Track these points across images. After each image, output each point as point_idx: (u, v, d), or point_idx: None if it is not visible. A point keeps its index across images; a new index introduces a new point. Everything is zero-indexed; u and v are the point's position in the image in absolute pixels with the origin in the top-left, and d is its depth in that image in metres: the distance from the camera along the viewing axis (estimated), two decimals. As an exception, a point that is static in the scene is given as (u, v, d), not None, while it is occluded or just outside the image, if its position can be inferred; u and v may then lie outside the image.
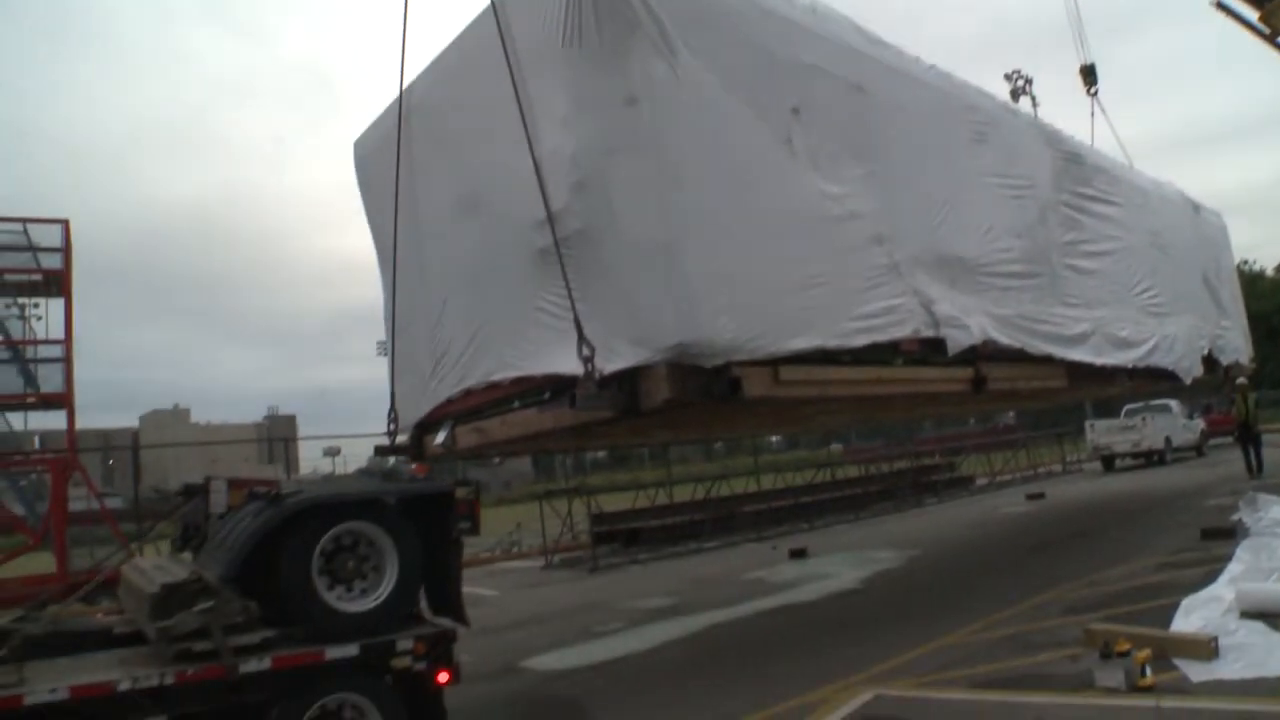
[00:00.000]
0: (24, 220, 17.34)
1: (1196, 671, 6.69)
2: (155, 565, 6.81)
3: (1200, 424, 31.73)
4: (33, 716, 5.02)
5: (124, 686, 5.23)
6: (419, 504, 6.75)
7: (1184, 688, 6.44)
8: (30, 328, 17.99)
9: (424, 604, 6.80)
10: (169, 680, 5.33)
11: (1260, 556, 10.57)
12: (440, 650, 6.23)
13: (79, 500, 17.94)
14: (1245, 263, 59.43)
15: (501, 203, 7.19)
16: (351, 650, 5.90)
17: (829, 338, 7.10)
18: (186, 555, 7.30)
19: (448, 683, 6.31)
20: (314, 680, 5.81)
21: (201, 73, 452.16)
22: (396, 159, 8.38)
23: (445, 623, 6.52)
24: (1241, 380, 19.80)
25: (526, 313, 6.91)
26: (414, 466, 8.70)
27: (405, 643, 6.09)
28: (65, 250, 17.38)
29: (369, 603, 6.18)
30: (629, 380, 6.28)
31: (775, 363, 6.76)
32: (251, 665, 5.54)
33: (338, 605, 6.07)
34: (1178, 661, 6.93)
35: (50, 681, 5.20)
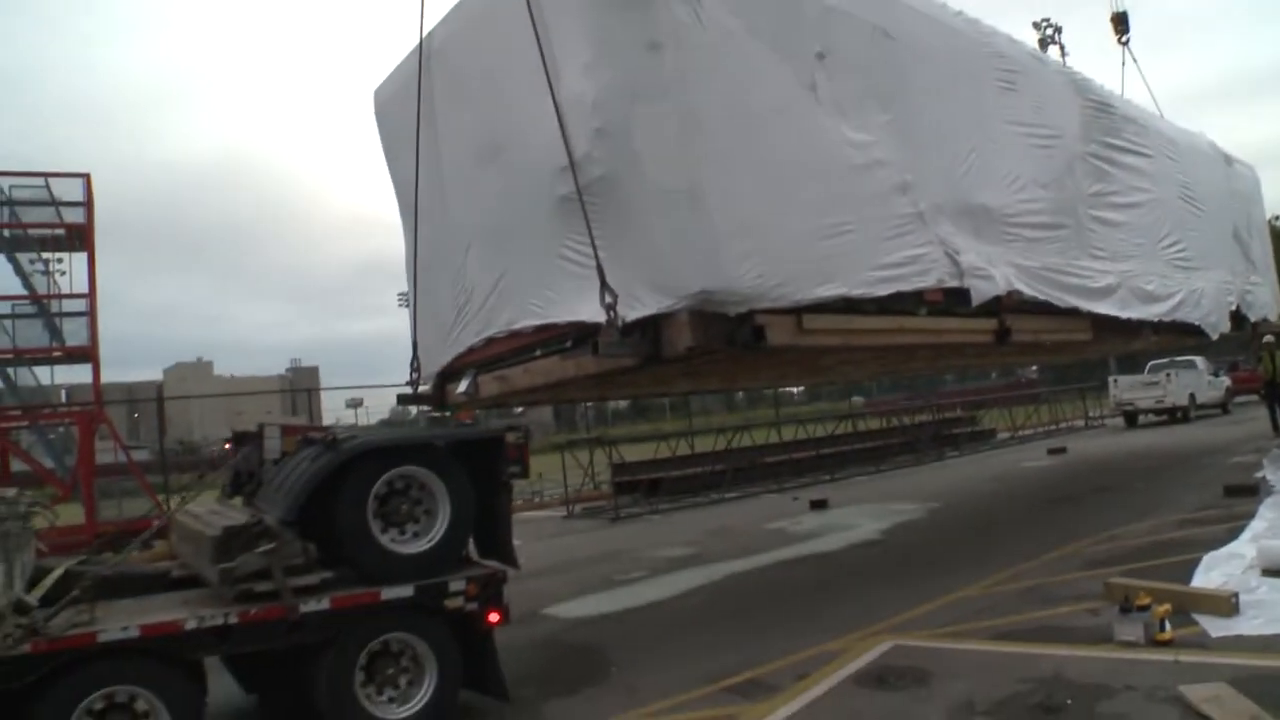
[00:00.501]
0: (46, 175, 17.40)
1: (1216, 627, 6.69)
2: (210, 511, 7.02)
3: (1225, 381, 31.44)
4: (103, 654, 5.30)
5: (190, 625, 5.51)
6: (470, 449, 6.93)
7: (1203, 643, 6.45)
8: (54, 282, 18.12)
9: (470, 547, 6.97)
10: (233, 620, 5.59)
11: (1284, 514, 10.52)
12: (491, 591, 6.45)
13: (106, 453, 18.17)
14: (1277, 217, 58.42)
15: (523, 150, 7.14)
16: (406, 591, 6.11)
17: (853, 286, 7.05)
18: (236, 501, 7.52)
19: (498, 623, 6.51)
20: (369, 620, 6.05)
21: (221, 24, 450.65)
22: (417, 107, 8.32)
23: (493, 565, 6.74)
24: (1269, 338, 19.57)
25: (549, 260, 6.88)
26: (461, 414, 8.84)
27: (458, 584, 6.32)
28: (87, 204, 17.45)
29: (422, 545, 6.39)
30: (652, 328, 6.26)
31: (799, 311, 6.73)
32: (311, 605, 5.79)
33: (392, 547, 6.30)
34: (1198, 617, 6.93)
35: (120, 620, 5.47)
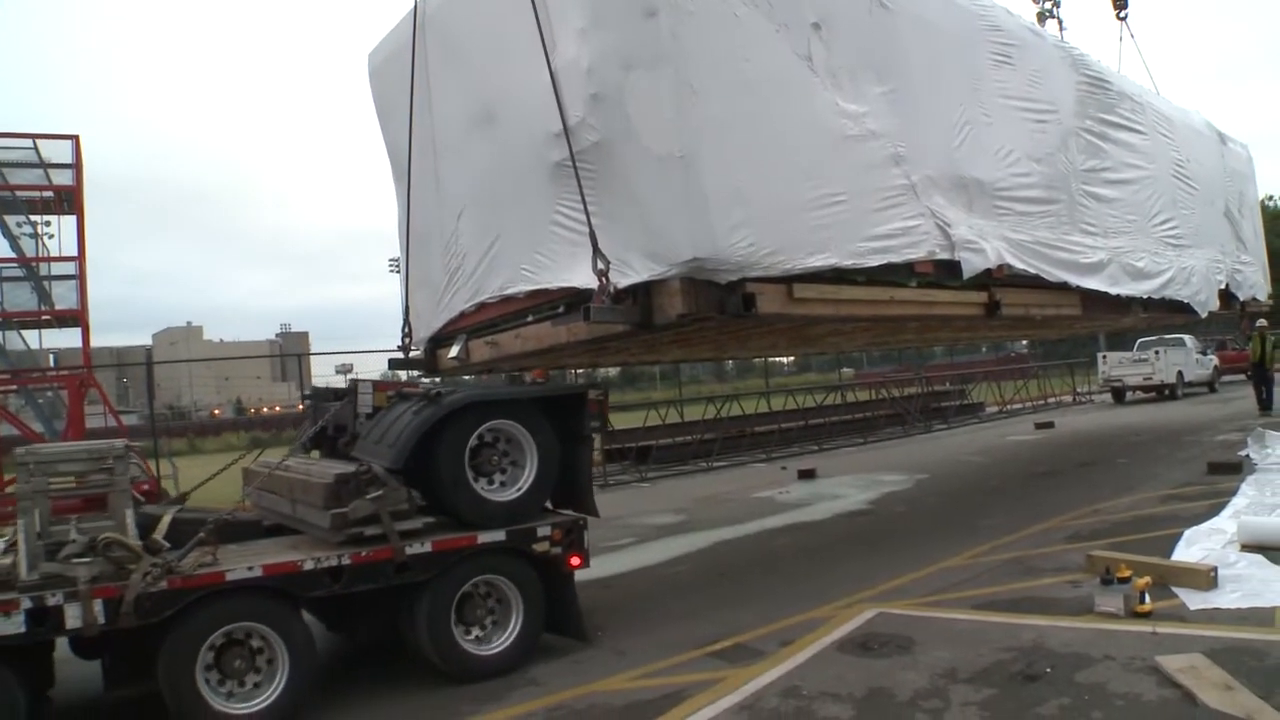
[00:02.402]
0: (34, 136, 17.22)
1: (1195, 600, 6.81)
2: (300, 462, 7.46)
3: (1213, 360, 31.56)
4: (231, 592, 5.72)
5: (308, 566, 5.98)
6: (555, 404, 7.38)
7: (1181, 615, 6.56)
8: (43, 245, 17.99)
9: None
10: (345, 561, 6.07)
11: (1265, 491, 10.66)
12: (573, 537, 7.01)
13: (95, 417, 18.13)
14: (1270, 198, 58.53)
15: (517, 115, 7.13)
16: (499, 536, 6.67)
17: (844, 257, 7.07)
18: (314, 454, 8.10)
19: (579, 566, 7.08)
20: (465, 563, 6.55)
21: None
22: (411, 71, 8.28)
23: (571, 514, 7.29)
24: (1262, 322, 19.68)
25: (542, 226, 6.90)
26: (534, 373, 9.54)
27: (544, 529, 6.87)
28: (76, 166, 17.29)
29: (511, 493, 6.92)
30: (643, 294, 6.29)
31: (790, 280, 6.76)
32: (415, 548, 6.28)
33: (486, 495, 6.82)
34: (1177, 590, 7.04)
35: (241, 561, 5.93)
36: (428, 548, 6.34)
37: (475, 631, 6.62)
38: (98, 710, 6.49)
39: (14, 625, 5.18)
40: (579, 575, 7.18)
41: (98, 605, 5.33)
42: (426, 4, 8.25)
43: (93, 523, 6.14)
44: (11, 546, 5.73)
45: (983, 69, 9.34)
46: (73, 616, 5.30)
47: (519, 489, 6.94)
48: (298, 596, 5.99)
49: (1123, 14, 17.91)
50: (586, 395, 7.53)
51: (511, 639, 6.66)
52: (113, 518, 5.98)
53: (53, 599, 5.28)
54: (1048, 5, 35.04)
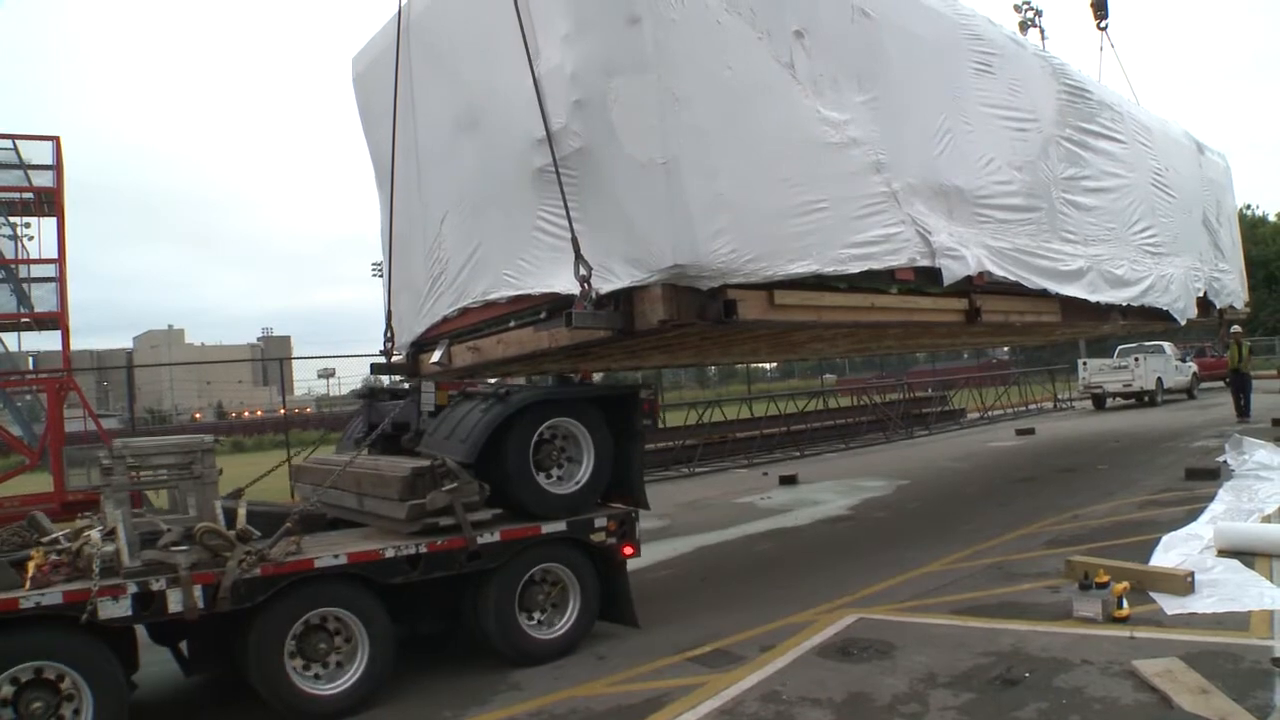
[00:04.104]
0: (14, 136, 17.10)
1: (1172, 605, 6.87)
2: (367, 457, 7.92)
3: (1192, 367, 31.88)
4: (317, 579, 6.09)
5: (389, 554, 6.37)
6: (609, 403, 7.86)
7: (1159, 620, 6.62)
8: (23, 247, 17.85)
9: None
10: (423, 549, 6.47)
11: (1241, 497, 10.76)
12: (626, 528, 7.49)
13: (75, 421, 17.98)
14: (1248, 207, 59.10)
15: (501, 121, 7.12)
16: (560, 526, 7.12)
17: (825, 263, 7.10)
18: (362, 451, 8.54)
19: (631, 555, 7.56)
20: (529, 552, 6.99)
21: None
22: (395, 76, 8.27)
23: (623, 506, 7.75)
24: (1237, 328, 19.86)
25: (524, 232, 6.89)
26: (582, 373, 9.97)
27: (601, 520, 7.33)
28: (57, 167, 17.17)
29: (570, 486, 7.40)
30: (625, 300, 6.29)
31: (771, 287, 6.78)
32: (485, 537, 6.69)
33: (548, 488, 7.28)
34: (1155, 595, 7.11)
35: (324, 550, 6.29)
36: (497, 537, 6.75)
37: (536, 616, 7.06)
38: (176, 693, 6.95)
39: (122, 608, 5.49)
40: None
41: (197, 590, 5.67)
42: (411, 9, 8.24)
43: (155, 515, 6.68)
44: (108, 535, 5.98)
45: (964, 77, 9.40)
46: (175, 601, 5.62)
47: (577, 482, 7.42)
48: (377, 583, 6.32)
49: (1103, 24, 18.03)
50: (639, 395, 8.04)
51: (569, 624, 7.13)
52: (199, 509, 6.39)
53: (156, 584, 5.59)
54: (1030, 15, 35.19)
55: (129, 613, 5.52)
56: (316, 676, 6.07)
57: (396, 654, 6.43)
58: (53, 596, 5.35)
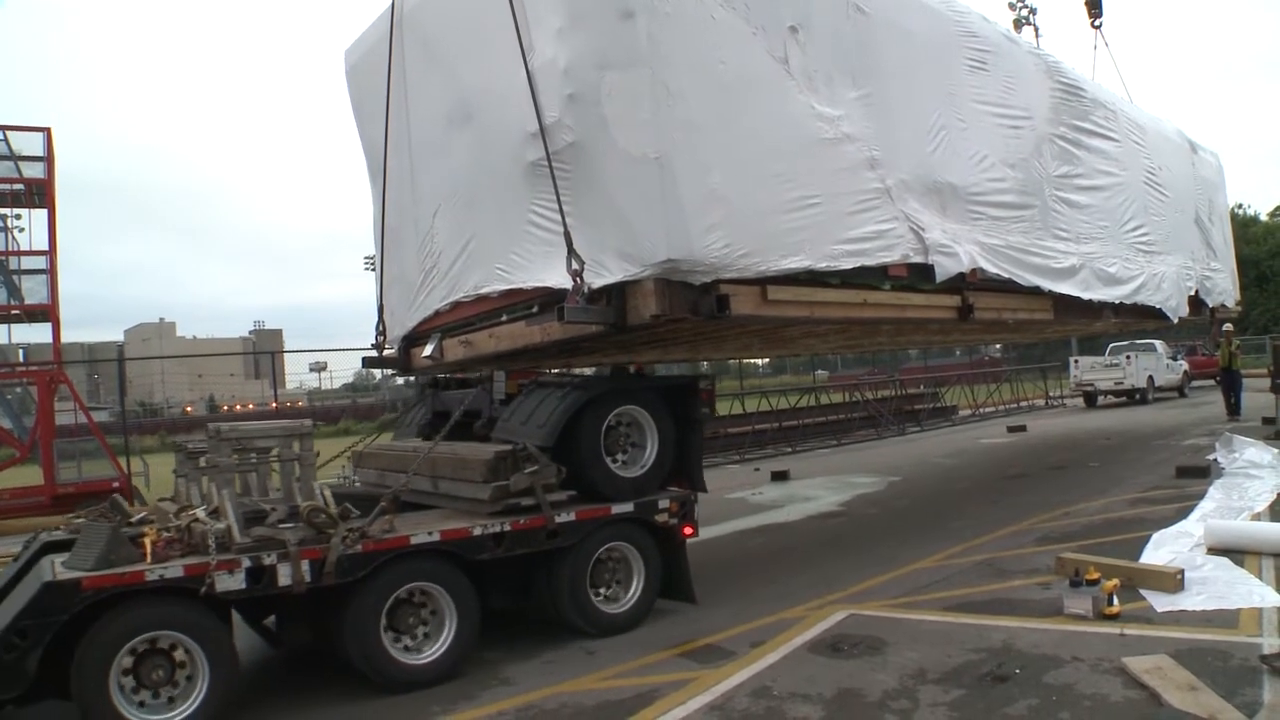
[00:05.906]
0: (4, 128, 17.02)
1: (1161, 602, 6.88)
2: (442, 444, 7.99)
3: (1183, 365, 31.95)
4: (411, 555, 6.43)
5: (477, 531, 6.73)
6: (671, 392, 8.21)
7: (1148, 617, 6.63)
8: (13, 238, 17.79)
9: None
10: (507, 528, 6.83)
11: (1231, 495, 10.80)
12: (686, 509, 7.88)
13: (65, 414, 17.95)
14: (1240, 206, 59.28)
15: (493, 115, 7.11)
16: (628, 507, 7.52)
17: (818, 259, 7.10)
18: (415, 439, 9.14)
19: (691, 535, 7.96)
20: (600, 531, 7.37)
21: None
22: (388, 69, 8.25)
23: (682, 490, 8.07)
24: (1228, 327, 19.92)
25: (517, 226, 6.88)
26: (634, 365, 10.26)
27: (664, 502, 7.72)
28: (48, 159, 17.12)
29: (636, 470, 7.75)
30: (618, 295, 6.28)
31: (764, 282, 6.78)
32: (563, 516, 7.09)
33: (617, 471, 7.62)
34: (1145, 592, 7.12)
35: (417, 528, 6.65)
36: (572, 516, 7.14)
37: (604, 592, 7.48)
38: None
39: (237, 581, 5.77)
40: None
41: (305, 565, 5.95)
42: (404, 1, 8.21)
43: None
44: (214, 513, 6.30)
45: (958, 74, 9.39)
46: (284, 575, 5.90)
47: (642, 466, 7.76)
48: (464, 559, 6.64)
49: (1097, 22, 18.06)
50: (698, 385, 8.42)
51: (634, 600, 7.54)
52: (302, 489, 6.85)
53: (268, 559, 5.87)
54: (1024, 12, 35.20)
55: (243, 585, 5.79)
56: (406, 648, 6.40)
57: (481, 627, 6.75)
58: (174, 570, 5.63)
